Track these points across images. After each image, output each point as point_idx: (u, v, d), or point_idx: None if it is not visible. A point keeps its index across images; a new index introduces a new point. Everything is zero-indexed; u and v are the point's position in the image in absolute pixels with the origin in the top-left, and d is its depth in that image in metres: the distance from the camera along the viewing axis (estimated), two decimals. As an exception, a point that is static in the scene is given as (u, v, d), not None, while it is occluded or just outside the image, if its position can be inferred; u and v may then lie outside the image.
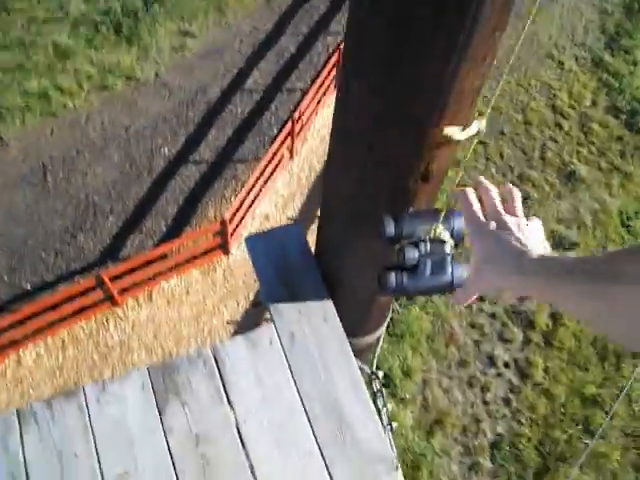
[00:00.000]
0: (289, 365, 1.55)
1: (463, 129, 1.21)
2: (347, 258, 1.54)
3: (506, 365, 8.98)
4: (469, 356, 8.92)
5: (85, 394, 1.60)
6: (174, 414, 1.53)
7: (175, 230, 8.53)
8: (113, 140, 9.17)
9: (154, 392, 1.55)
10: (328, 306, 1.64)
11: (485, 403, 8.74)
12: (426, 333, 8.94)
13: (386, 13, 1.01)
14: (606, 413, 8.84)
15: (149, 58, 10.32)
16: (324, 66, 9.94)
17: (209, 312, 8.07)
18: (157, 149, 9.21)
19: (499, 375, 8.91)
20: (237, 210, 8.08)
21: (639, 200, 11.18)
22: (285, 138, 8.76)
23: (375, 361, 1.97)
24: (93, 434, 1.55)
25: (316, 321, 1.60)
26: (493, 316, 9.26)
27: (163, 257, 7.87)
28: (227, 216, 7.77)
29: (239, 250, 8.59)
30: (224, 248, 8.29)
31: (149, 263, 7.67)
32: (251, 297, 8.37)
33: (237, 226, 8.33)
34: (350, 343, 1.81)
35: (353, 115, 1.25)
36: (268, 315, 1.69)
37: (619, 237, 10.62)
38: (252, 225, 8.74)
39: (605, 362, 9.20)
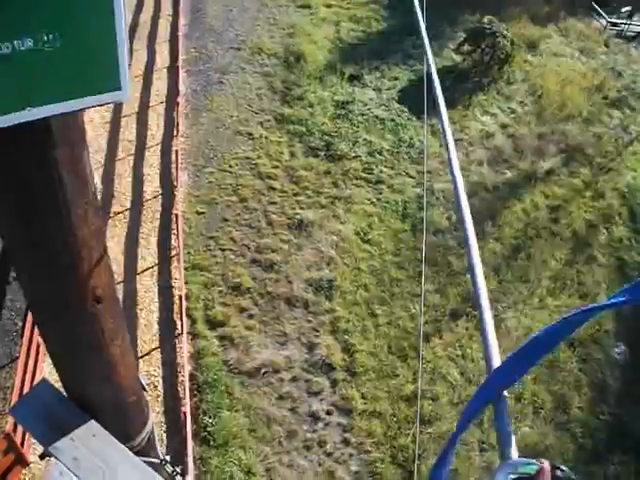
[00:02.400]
0: (84, 482, 1.93)
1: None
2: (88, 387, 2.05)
3: (328, 413, 9.51)
4: (293, 425, 9.33)
5: None
6: None
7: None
8: None
9: None
10: (92, 425, 2.00)
11: (329, 455, 9.11)
12: (246, 428, 9.15)
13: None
14: (431, 399, 9.69)
15: None
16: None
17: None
18: None
19: (327, 425, 9.38)
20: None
21: (366, 215, 12.36)
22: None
23: (160, 450, 2.41)
24: None
25: (87, 440, 1.97)
26: (294, 379, 9.80)
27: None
28: (9, 429, 7.43)
29: (37, 456, 8.15)
30: (21, 461, 7.84)
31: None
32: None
33: (25, 433, 7.94)
34: (130, 446, 2.23)
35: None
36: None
37: (365, 252, 11.65)
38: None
39: (407, 359, 10.12)
